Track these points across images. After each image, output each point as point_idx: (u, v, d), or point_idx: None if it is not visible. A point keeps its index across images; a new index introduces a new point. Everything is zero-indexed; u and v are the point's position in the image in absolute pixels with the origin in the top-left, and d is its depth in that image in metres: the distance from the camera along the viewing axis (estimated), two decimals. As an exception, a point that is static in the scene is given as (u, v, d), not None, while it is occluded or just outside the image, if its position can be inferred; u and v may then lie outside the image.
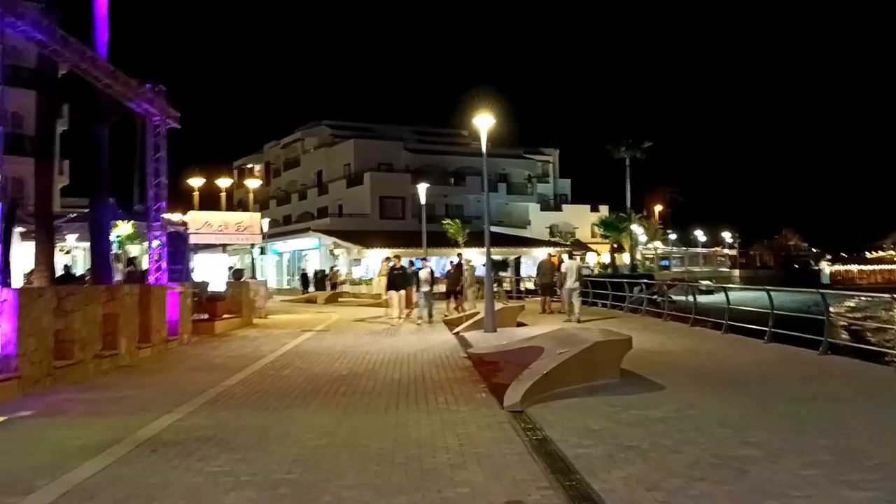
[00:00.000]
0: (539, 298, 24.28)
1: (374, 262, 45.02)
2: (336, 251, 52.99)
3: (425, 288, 19.80)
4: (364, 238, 48.98)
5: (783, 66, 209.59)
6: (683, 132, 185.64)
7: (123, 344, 12.83)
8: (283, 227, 61.80)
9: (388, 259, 21.77)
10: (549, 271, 23.24)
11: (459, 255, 24.79)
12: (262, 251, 55.37)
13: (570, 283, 20.41)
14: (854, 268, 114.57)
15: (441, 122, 72.21)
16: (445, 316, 22.07)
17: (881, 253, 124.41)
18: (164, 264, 15.44)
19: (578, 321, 18.69)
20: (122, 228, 22.28)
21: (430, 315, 19.99)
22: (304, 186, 66.86)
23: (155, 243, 15.44)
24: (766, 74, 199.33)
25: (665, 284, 28.36)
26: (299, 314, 26.80)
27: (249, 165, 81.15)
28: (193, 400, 8.80)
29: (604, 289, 26.03)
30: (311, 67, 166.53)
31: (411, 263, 21.27)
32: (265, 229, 53.32)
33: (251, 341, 16.36)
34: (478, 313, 20.09)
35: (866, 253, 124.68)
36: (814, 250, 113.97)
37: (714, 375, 10.16)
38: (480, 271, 38.54)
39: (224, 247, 24.49)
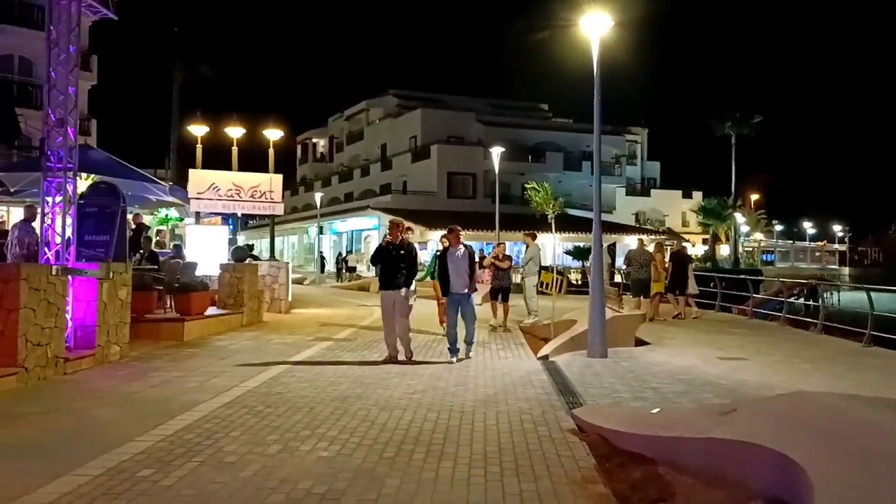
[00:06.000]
0: (633, 298, 17.74)
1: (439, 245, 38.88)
2: (397, 232, 47.00)
3: (460, 288, 10.97)
4: (428, 218, 42.58)
5: None
6: (785, 111, 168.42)
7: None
8: (342, 206, 56.11)
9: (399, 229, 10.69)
10: (646, 263, 17.39)
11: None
12: (321, 231, 49.99)
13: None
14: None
15: (519, 97, 65.14)
16: (519, 324, 15.71)
17: None
18: (69, 233, 9.40)
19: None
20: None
21: (469, 340, 11.10)
22: (367, 161, 60.96)
23: (57, 198, 9.38)
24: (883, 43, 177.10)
25: (820, 284, 21.21)
26: (336, 308, 20.85)
27: (314, 140, 76.08)
28: None
29: (740, 288, 19.47)
30: (381, 37, 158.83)
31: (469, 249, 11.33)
32: (318, 205, 48.22)
33: (219, 360, 10.27)
34: (574, 322, 13.65)
35: None
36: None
37: None
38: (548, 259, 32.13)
39: (227, 217, 18.37)
